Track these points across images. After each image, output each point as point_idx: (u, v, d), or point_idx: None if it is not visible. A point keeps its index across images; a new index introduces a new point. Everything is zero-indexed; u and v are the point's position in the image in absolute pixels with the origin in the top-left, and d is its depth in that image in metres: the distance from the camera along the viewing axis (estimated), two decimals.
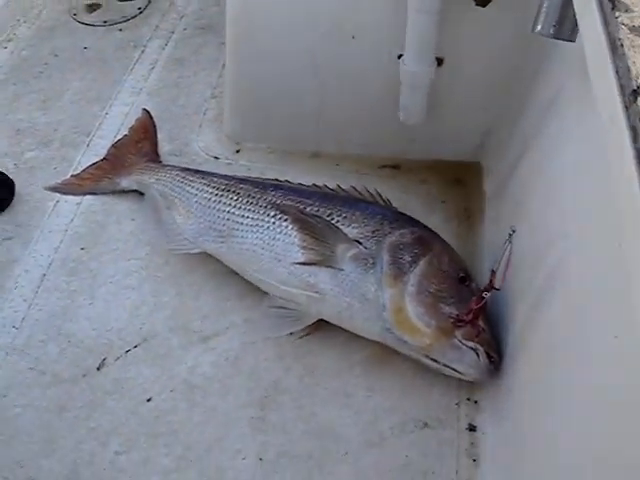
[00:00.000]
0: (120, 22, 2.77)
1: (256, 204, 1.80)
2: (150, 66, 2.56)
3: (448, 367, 1.57)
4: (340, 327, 1.70)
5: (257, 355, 1.72)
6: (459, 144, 2.10)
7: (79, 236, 2.00)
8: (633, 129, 0.88)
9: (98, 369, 1.71)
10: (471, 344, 1.53)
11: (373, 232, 1.68)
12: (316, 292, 1.66)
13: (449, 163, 2.14)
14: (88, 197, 2.10)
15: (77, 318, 1.81)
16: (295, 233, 1.71)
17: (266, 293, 1.76)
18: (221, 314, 1.81)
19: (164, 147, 2.24)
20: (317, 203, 1.77)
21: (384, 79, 1.95)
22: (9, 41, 2.70)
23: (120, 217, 2.05)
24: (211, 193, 1.88)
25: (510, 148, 1.85)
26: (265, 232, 1.74)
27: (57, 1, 2.88)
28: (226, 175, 1.96)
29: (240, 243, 1.77)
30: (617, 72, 0.96)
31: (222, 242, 1.80)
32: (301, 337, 1.74)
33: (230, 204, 1.83)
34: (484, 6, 1.72)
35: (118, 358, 1.74)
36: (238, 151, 2.24)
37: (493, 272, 1.48)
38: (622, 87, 0.93)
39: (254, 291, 1.80)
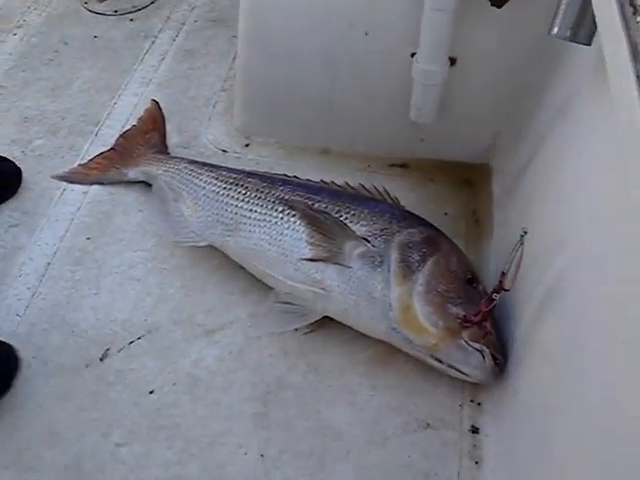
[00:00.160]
0: (131, 12, 2.75)
1: (264, 199, 1.79)
2: (160, 57, 2.55)
3: (453, 368, 1.57)
4: (345, 325, 1.70)
5: (261, 350, 1.72)
6: (469, 145, 2.09)
7: (85, 226, 2.00)
8: None
9: (101, 360, 1.71)
10: (477, 345, 1.53)
11: (381, 230, 1.68)
12: (322, 289, 1.66)
13: (458, 163, 2.13)
14: (95, 187, 2.10)
15: (81, 308, 1.81)
16: (303, 229, 1.70)
17: (271, 288, 1.75)
18: (226, 308, 1.81)
19: (172, 139, 2.23)
20: (326, 200, 1.77)
21: (396, 77, 1.94)
22: (19, 27, 2.69)
23: (127, 208, 2.04)
24: (219, 186, 1.87)
25: (520, 150, 1.84)
26: (273, 227, 1.74)
27: None
28: (234, 169, 1.95)
29: (247, 237, 1.76)
30: (638, 77, 0.95)
31: (229, 236, 1.79)
32: (306, 334, 1.74)
33: (238, 198, 1.82)
34: (499, 7, 1.71)
35: (121, 349, 1.73)
36: (247, 145, 2.23)
37: (503, 273, 1.47)
38: None
39: (259, 286, 1.80)
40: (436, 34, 1.77)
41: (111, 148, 2.19)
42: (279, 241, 1.72)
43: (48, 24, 2.71)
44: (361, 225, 1.70)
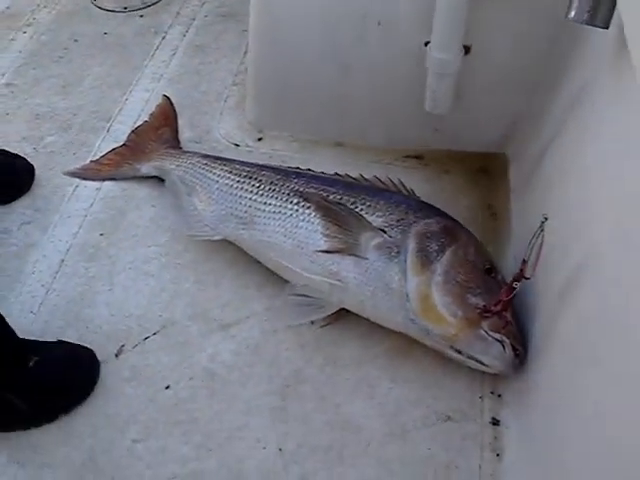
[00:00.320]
0: (141, 8, 2.74)
1: (278, 191, 1.78)
2: (171, 52, 2.54)
3: (473, 359, 1.55)
4: (362, 317, 1.68)
5: (278, 344, 1.70)
6: (484, 134, 2.07)
7: (98, 222, 1.99)
8: None
9: (116, 356, 1.70)
10: (497, 336, 1.51)
11: (398, 221, 1.66)
12: (339, 280, 1.64)
13: (473, 153, 2.10)
14: (107, 183, 2.09)
15: (95, 304, 1.80)
16: (318, 221, 1.69)
17: (287, 281, 1.74)
18: (241, 302, 1.79)
19: (184, 134, 2.22)
20: (340, 191, 1.75)
21: (410, 67, 1.91)
22: (29, 26, 2.68)
23: (140, 203, 2.03)
24: (233, 180, 1.86)
25: (538, 137, 1.81)
26: (288, 219, 1.72)
27: None
28: (248, 162, 1.94)
29: (262, 230, 1.75)
30: None
31: (243, 229, 1.78)
32: (322, 326, 1.72)
33: (252, 191, 1.81)
34: None
35: (137, 345, 1.72)
36: (260, 139, 2.22)
37: (524, 261, 1.45)
38: None
39: (275, 280, 1.78)
40: (450, 22, 1.75)
41: (123, 144, 2.18)
42: (294, 233, 1.70)
43: (58, 22, 2.70)
44: (377, 216, 1.68)
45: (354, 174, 1.86)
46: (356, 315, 1.69)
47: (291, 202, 1.74)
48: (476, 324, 1.52)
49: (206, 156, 1.99)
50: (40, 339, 1.67)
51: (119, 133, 2.23)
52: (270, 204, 1.76)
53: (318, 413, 1.59)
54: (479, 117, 2.01)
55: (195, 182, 1.92)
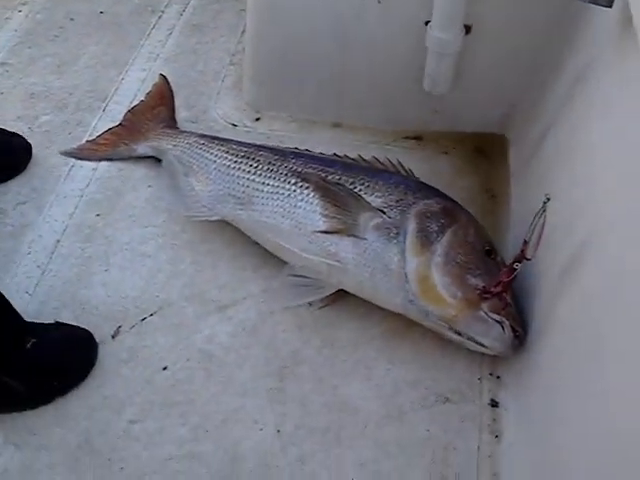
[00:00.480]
0: None
1: (277, 171, 1.76)
2: (167, 32, 2.51)
3: (472, 340, 1.54)
4: (360, 298, 1.68)
5: (275, 325, 1.70)
6: (484, 115, 2.05)
7: (94, 202, 1.97)
8: None
9: (113, 337, 1.69)
10: (497, 317, 1.50)
11: (397, 202, 1.65)
12: (337, 261, 1.63)
13: (473, 135, 2.09)
14: (104, 163, 2.07)
15: (92, 285, 1.79)
16: (317, 201, 1.67)
17: (285, 262, 1.73)
18: (238, 283, 1.78)
19: (181, 114, 2.20)
20: (339, 172, 1.74)
21: (410, 46, 1.90)
22: (24, 4, 2.64)
23: (136, 183, 2.01)
24: (230, 160, 1.84)
25: (539, 119, 1.80)
26: (286, 200, 1.71)
27: None
28: (245, 142, 1.92)
29: (260, 211, 1.74)
30: None
31: (241, 209, 1.77)
32: (320, 308, 1.71)
33: (250, 171, 1.79)
34: None
35: (133, 326, 1.71)
36: (258, 119, 2.20)
37: (525, 242, 1.44)
38: None
39: (272, 261, 1.77)
40: (450, 1, 1.73)
41: (119, 124, 2.16)
42: (293, 214, 1.69)
43: (53, 0, 2.66)
44: (376, 197, 1.66)
45: (352, 155, 1.84)
46: (354, 296, 1.68)
47: (289, 182, 1.73)
48: (476, 305, 1.51)
49: (203, 136, 1.98)
50: (36, 320, 1.66)
51: (115, 113, 2.21)
52: (268, 184, 1.75)
53: (315, 395, 1.58)
54: (479, 98, 2.00)
55: (192, 162, 1.90)
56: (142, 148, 2.05)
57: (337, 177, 1.72)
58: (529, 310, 1.56)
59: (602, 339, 1.21)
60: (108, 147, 2.09)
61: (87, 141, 2.13)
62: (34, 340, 1.57)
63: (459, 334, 1.54)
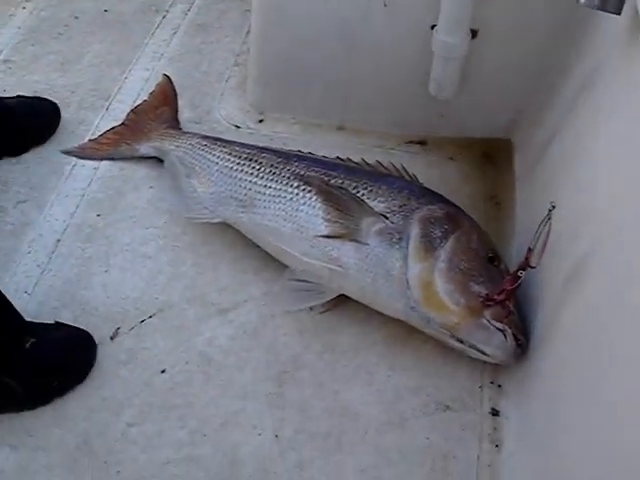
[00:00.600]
0: None
1: (279, 174, 1.75)
2: (172, 31, 2.50)
3: (474, 348, 1.53)
4: (361, 304, 1.67)
5: (276, 329, 1.69)
6: (490, 120, 2.04)
7: (96, 202, 1.96)
8: None
9: (112, 338, 1.68)
10: (499, 325, 1.49)
11: (400, 207, 1.64)
12: (339, 266, 1.62)
13: (478, 140, 2.07)
14: (106, 162, 2.06)
15: (92, 285, 1.77)
16: (319, 205, 1.66)
17: (286, 266, 1.72)
18: (239, 286, 1.77)
19: (184, 114, 2.19)
20: (342, 176, 1.73)
21: (416, 50, 1.88)
22: (28, 1, 2.63)
23: (138, 184, 2.00)
24: (233, 162, 1.83)
25: (545, 124, 1.79)
26: (288, 203, 1.70)
27: None
28: (248, 144, 1.91)
29: (261, 214, 1.73)
30: None
31: (243, 212, 1.76)
32: (321, 312, 1.70)
33: (252, 173, 1.78)
34: None
35: (133, 328, 1.70)
36: (261, 121, 2.19)
37: (530, 250, 1.43)
38: None
39: (273, 264, 1.76)
40: (457, 5, 1.72)
41: (122, 123, 2.14)
42: (294, 217, 1.68)
43: None
44: (379, 201, 1.65)
45: (356, 159, 1.83)
46: (355, 301, 1.67)
47: (292, 185, 1.72)
48: (478, 313, 1.50)
49: (206, 137, 1.97)
50: (35, 320, 1.65)
51: (118, 112, 2.20)
52: (270, 187, 1.74)
53: (316, 399, 1.57)
54: (485, 103, 1.99)
55: (194, 163, 1.89)
56: (144, 148, 2.05)
57: (340, 181, 1.71)
58: (532, 318, 1.54)
59: (606, 347, 1.19)
60: (110, 147, 2.08)
61: (89, 140, 2.12)
62: (33, 340, 1.56)
63: (461, 342, 1.53)
